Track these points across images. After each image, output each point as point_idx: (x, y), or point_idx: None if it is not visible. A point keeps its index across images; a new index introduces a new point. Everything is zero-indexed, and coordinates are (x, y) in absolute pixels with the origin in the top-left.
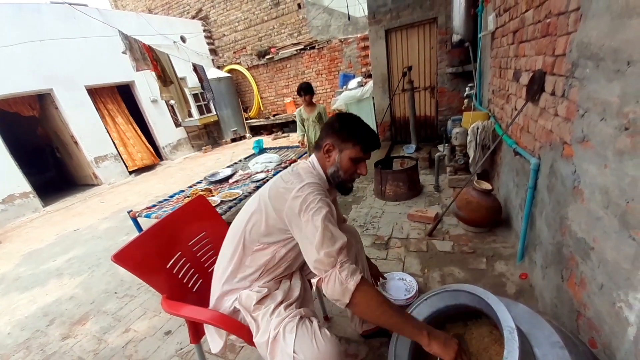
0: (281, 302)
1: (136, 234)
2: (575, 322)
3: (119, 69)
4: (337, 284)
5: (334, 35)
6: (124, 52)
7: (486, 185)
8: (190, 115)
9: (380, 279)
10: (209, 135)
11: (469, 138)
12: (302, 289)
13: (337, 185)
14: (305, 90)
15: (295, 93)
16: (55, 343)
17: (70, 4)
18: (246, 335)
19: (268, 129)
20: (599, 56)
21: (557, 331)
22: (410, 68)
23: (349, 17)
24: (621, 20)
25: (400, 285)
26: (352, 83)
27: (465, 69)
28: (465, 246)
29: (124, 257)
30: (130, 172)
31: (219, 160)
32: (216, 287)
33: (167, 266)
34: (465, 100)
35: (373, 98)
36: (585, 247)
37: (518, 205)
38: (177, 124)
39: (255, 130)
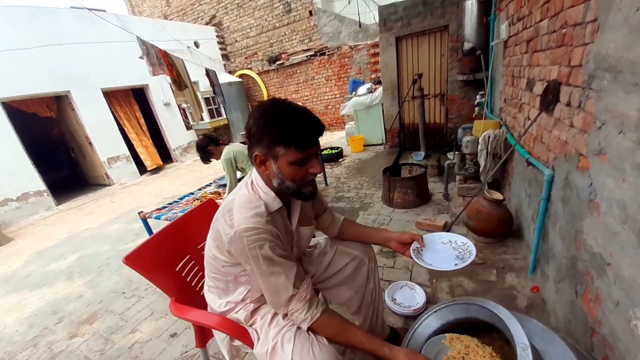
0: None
1: (146, 234)
2: (589, 339)
3: (134, 72)
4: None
5: (344, 42)
6: (141, 57)
7: (497, 195)
8: (202, 119)
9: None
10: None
11: (480, 147)
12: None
13: (294, 195)
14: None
15: (304, 98)
16: (63, 342)
17: (89, 9)
18: (251, 342)
19: None
20: (617, 69)
21: (571, 349)
22: (420, 75)
23: (360, 25)
24: (639, 33)
25: (408, 294)
26: (362, 89)
27: (476, 77)
28: (476, 257)
29: (134, 259)
30: (142, 173)
31: None
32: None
33: (177, 269)
34: (476, 109)
35: (382, 104)
36: (602, 262)
37: (530, 216)
38: (188, 127)
39: None
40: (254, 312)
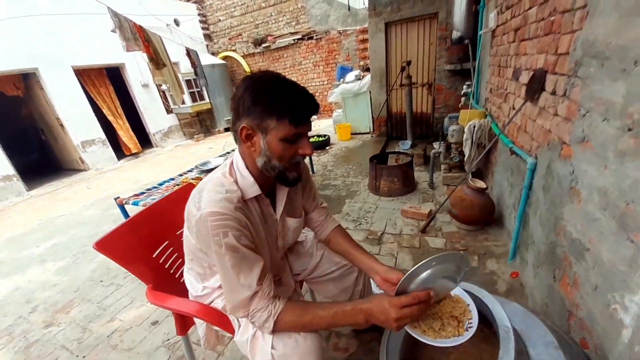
0: None
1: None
2: (566, 322)
3: (109, 50)
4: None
5: (332, 26)
6: (113, 31)
7: (481, 184)
8: (183, 102)
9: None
10: (201, 124)
11: (465, 136)
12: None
13: (277, 178)
14: None
15: None
16: (38, 330)
17: None
18: (232, 329)
19: None
20: (604, 55)
21: (551, 331)
22: (409, 63)
23: (349, 8)
24: (629, 18)
25: None
26: (350, 76)
27: (463, 67)
28: (458, 244)
29: (107, 245)
30: (120, 158)
31: (211, 149)
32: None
33: (154, 256)
34: (463, 99)
35: (370, 92)
36: (581, 247)
37: (512, 204)
38: (169, 111)
39: None
40: None
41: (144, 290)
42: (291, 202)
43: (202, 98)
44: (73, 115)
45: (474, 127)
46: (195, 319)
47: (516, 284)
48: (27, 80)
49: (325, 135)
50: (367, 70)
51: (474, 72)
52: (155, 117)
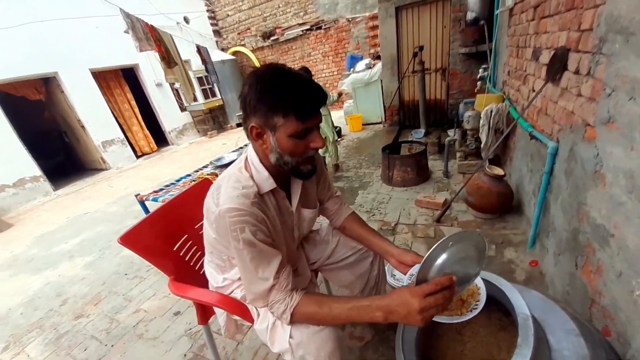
0: None
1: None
2: (588, 309)
3: (123, 51)
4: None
5: (341, 15)
6: (126, 32)
7: (498, 171)
8: (195, 99)
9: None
10: (214, 120)
11: (481, 122)
12: (306, 278)
13: (292, 172)
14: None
15: None
16: (68, 322)
17: None
18: (251, 318)
19: None
20: (629, 30)
21: (572, 319)
22: (421, 48)
23: None
24: None
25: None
26: (360, 65)
27: (479, 49)
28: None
29: (130, 239)
30: (138, 157)
31: (224, 145)
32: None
33: (174, 249)
34: (479, 83)
35: (381, 81)
36: (605, 233)
37: (531, 191)
38: (183, 109)
39: None
40: None
41: (166, 282)
42: (306, 193)
43: (213, 95)
44: (93, 117)
45: (491, 112)
46: (216, 309)
47: (535, 273)
48: (47, 84)
49: (336, 127)
50: (378, 58)
51: (490, 54)
52: (170, 116)
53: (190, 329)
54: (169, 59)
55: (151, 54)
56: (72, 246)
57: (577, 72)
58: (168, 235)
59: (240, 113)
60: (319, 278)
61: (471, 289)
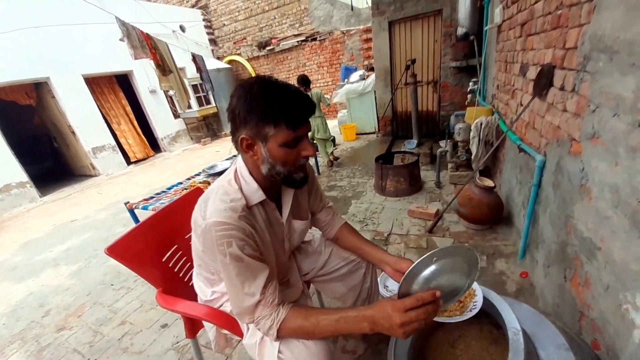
0: None
1: (133, 226)
2: (577, 322)
3: (117, 58)
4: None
5: (336, 27)
6: (121, 40)
7: (489, 183)
8: (189, 106)
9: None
10: (208, 127)
11: (472, 134)
12: (297, 290)
13: (285, 182)
14: (303, 82)
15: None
16: (50, 334)
17: None
18: (241, 332)
19: None
20: (613, 49)
21: (561, 332)
22: (413, 61)
23: (352, 8)
24: (637, 12)
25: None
26: (354, 76)
27: (469, 63)
28: (466, 243)
29: (118, 250)
30: (129, 164)
31: (218, 152)
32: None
33: (163, 260)
34: (469, 96)
35: (375, 92)
36: (592, 246)
37: (521, 202)
38: (176, 116)
39: None
40: None
41: (154, 294)
42: (297, 204)
43: (208, 102)
44: (84, 123)
45: (481, 124)
46: (205, 323)
47: (526, 284)
48: (38, 89)
49: (330, 136)
50: (372, 69)
51: (480, 68)
52: (163, 122)
53: (178, 342)
54: (164, 67)
55: (146, 61)
56: (58, 254)
57: (562, 88)
58: (157, 246)
59: (229, 116)
60: (311, 290)
61: (469, 292)
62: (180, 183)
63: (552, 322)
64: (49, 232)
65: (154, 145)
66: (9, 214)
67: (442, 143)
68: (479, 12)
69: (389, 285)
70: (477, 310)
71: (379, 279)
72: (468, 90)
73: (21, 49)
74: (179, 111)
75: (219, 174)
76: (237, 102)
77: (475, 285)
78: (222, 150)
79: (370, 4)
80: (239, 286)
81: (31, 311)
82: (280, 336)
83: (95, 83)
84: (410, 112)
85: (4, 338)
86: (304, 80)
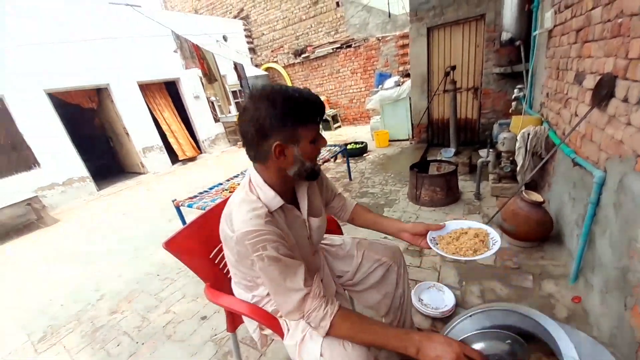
0: None
1: (178, 221)
2: (635, 354)
3: (167, 66)
4: (310, 327)
5: (371, 34)
6: (175, 51)
7: (537, 197)
8: (229, 112)
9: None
10: None
11: (518, 144)
12: (333, 290)
13: (309, 176)
14: None
15: (329, 91)
16: (104, 317)
17: (126, 4)
18: (282, 332)
19: None
20: None
21: None
22: (453, 68)
23: (390, 15)
24: None
25: (436, 295)
26: (389, 82)
27: (514, 70)
28: (509, 261)
29: (173, 245)
30: (173, 163)
31: None
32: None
33: (210, 256)
34: (513, 103)
35: (410, 98)
36: None
37: (574, 221)
38: (216, 120)
39: None
40: None
41: (195, 286)
42: (311, 202)
43: None
44: (136, 125)
45: (529, 134)
46: (247, 322)
47: (578, 310)
48: (100, 94)
49: (362, 142)
50: (407, 76)
51: (527, 74)
52: (204, 126)
53: (216, 334)
54: (210, 76)
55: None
56: (111, 244)
57: (625, 100)
58: (205, 243)
59: (250, 128)
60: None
61: (482, 232)
62: (221, 184)
63: (612, 353)
64: (103, 223)
65: (196, 147)
66: (70, 205)
67: (483, 152)
68: (527, 16)
69: (424, 299)
70: (498, 243)
71: (413, 292)
72: (513, 97)
73: (87, 59)
74: (219, 115)
75: None
76: (266, 114)
77: (485, 227)
78: None
79: (407, 10)
80: (283, 285)
81: (87, 294)
82: (329, 332)
83: (147, 89)
84: (447, 119)
85: (61, 318)
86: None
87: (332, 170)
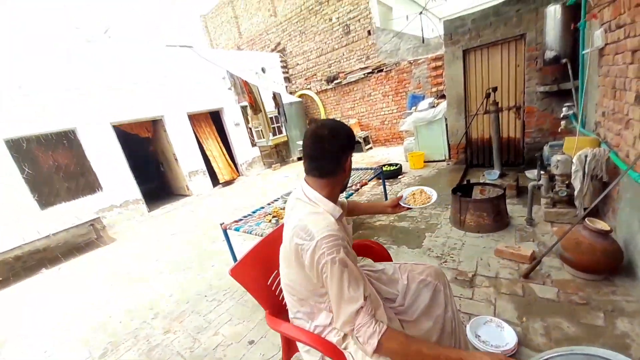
0: None
1: (221, 243)
2: None
3: (212, 98)
4: (358, 345)
5: (403, 57)
6: (229, 89)
7: (603, 225)
8: (269, 137)
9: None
10: (278, 154)
11: (574, 167)
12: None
13: (344, 188)
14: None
15: (360, 114)
16: (159, 336)
17: (181, 46)
18: None
19: None
20: None
21: None
22: (494, 89)
23: (423, 40)
24: None
25: (495, 332)
26: (423, 104)
27: (561, 88)
28: (575, 295)
29: (237, 272)
30: (214, 186)
31: (287, 177)
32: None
33: (268, 283)
34: (563, 122)
35: (446, 119)
36: None
37: None
38: (253, 144)
39: None
40: (345, 336)
41: (241, 309)
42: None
43: (280, 132)
44: (184, 151)
45: (586, 157)
46: (303, 350)
47: None
48: (155, 124)
49: (396, 164)
50: (442, 97)
51: (576, 92)
52: (242, 150)
53: None
54: (255, 107)
55: (232, 100)
56: (162, 264)
57: None
58: (263, 270)
59: (330, 150)
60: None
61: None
62: (263, 207)
63: None
64: (154, 243)
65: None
66: (125, 225)
67: (530, 174)
68: (572, 34)
69: (482, 335)
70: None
71: (468, 327)
72: (561, 115)
73: (146, 94)
74: (256, 140)
75: None
76: (346, 139)
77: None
78: (290, 175)
79: (441, 34)
80: (345, 290)
81: (143, 312)
82: (378, 350)
83: (195, 118)
84: (487, 139)
85: (120, 335)
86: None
87: (367, 193)
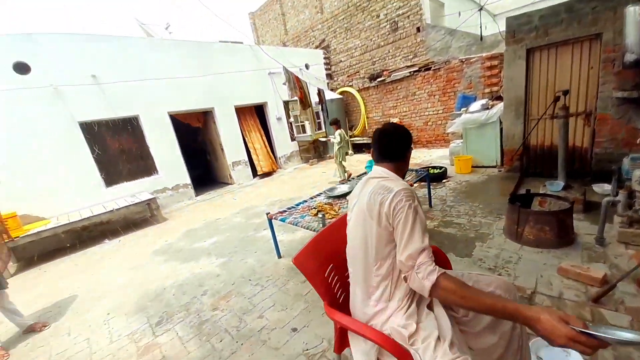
0: (438, 338)
1: (265, 231)
2: None
3: (257, 92)
4: (416, 283)
5: (453, 56)
6: (284, 84)
7: None
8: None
9: None
10: (315, 150)
11: None
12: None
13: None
14: (335, 122)
15: (402, 114)
16: (208, 312)
17: (232, 42)
18: None
19: (370, 147)
20: None
21: None
22: (566, 92)
23: (482, 38)
24: None
25: (558, 356)
26: (475, 105)
27: None
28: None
29: (300, 260)
30: (254, 176)
31: (324, 173)
32: (358, 311)
33: (325, 275)
34: None
35: (501, 122)
36: None
37: None
38: (292, 138)
39: (358, 148)
40: (414, 334)
41: (284, 297)
42: None
43: (319, 128)
44: (229, 142)
45: None
46: (354, 343)
47: None
48: (205, 115)
49: (441, 167)
50: (497, 98)
51: None
52: (282, 144)
53: (308, 349)
54: (305, 102)
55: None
56: (209, 245)
57: None
58: (321, 262)
59: (395, 143)
60: None
61: None
62: (305, 201)
63: None
64: (201, 225)
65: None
66: (175, 207)
67: (597, 187)
68: None
69: (544, 358)
70: None
71: (530, 344)
72: None
73: (199, 89)
74: (296, 135)
75: (339, 197)
76: (407, 137)
77: None
78: (327, 172)
79: (500, 31)
80: (415, 230)
81: (193, 288)
82: (436, 286)
83: (241, 111)
84: (548, 146)
85: (173, 307)
86: (336, 121)
87: None
